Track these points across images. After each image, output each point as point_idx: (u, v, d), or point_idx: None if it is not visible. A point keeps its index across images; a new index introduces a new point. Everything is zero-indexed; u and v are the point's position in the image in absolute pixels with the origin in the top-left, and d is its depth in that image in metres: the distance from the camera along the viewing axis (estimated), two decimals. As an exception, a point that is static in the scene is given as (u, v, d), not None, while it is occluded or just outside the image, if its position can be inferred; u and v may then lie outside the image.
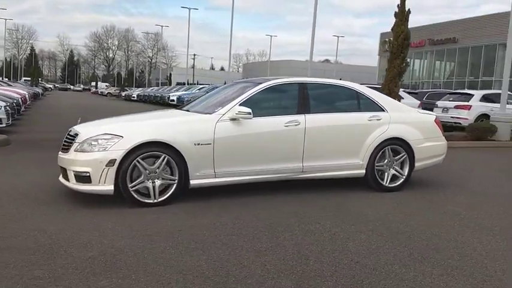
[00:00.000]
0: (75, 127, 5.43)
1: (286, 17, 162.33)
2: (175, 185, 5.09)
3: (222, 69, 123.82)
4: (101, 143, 4.90)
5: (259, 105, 5.51)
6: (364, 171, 6.03)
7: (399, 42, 11.85)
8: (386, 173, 6.15)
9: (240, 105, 5.40)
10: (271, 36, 62.74)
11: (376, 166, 6.06)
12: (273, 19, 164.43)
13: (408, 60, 12.76)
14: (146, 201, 4.99)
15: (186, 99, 25.81)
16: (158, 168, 4.99)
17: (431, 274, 3.43)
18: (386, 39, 41.32)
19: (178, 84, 66.78)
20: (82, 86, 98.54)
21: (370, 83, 21.73)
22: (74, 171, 4.94)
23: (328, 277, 3.30)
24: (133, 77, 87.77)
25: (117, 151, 4.84)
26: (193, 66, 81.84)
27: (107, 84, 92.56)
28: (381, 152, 6.06)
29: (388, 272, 3.43)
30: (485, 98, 16.15)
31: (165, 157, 5.00)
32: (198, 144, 5.14)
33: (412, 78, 46.73)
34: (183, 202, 5.15)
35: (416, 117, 6.48)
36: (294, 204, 5.34)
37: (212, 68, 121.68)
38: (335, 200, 5.60)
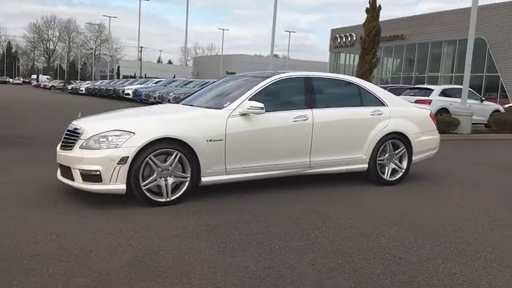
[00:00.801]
0: (76, 122, 5.12)
1: (234, 11, 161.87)
2: (187, 183, 4.90)
3: (170, 62, 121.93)
4: (111, 140, 4.63)
5: (268, 100, 5.37)
6: (366, 165, 6.07)
7: (371, 38, 12.09)
8: (386, 167, 6.22)
9: (250, 99, 5.27)
10: (223, 30, 62.33)
11: (378, 160, 6.12)
12: (221, 13, 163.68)
13: (378, 55, 13.03)
14: (159, 200, 4.78)
15: (143, 93, 25.16)
16: (171, 165, 4.79)
17: (475, 267, 3.47)
18: (337, 36, 42.38)
19: (124, 77, 65.07)
20: (22, 78, 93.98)
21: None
22: (80, 169, 4.65)
23: (381, 275, 3.27)
24: (77, 70, 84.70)
25: (129, 148, 4.60)
26: (140, 59, 79.87)
27: (48, 77, 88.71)
28: (382, 146, 6.11)
29: (435, 267, 3.44)
30: (444, 93, 16.75)
31: (177, 154, 4.80)
32: (210, 140, 4.98)
33: (362, 73, 47.94)
34: (194, 200, 4.97)
35: (414, 111, 6.60)
36: (304, 200, 5.28)
37: (159, 61, 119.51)
38: (341, 195, 5.59)
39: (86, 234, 3.89)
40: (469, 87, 17.92)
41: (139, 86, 28.66)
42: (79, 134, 4.82)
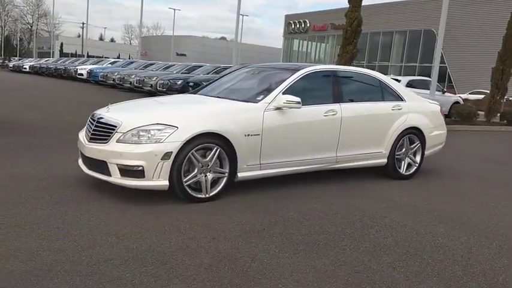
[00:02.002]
0: (104, 113, 4.81)
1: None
2: (225, 178, 4.76)
3: (113, 40, 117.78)
4: (154, 134, 4.39)
5: (299, 94, 5.23)
6: (386, 160, 6.14)
7: (353, 29, 12.18)
8: (402, 162, 6.33)
9: (283, 93, 5.16)
10: (174, 9, 60.86)
11: (396, 155, 6.20)
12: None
13: (355, 46, 13.12)
14: (198, 196, 4.61)
15: (100, 74, 24.14)
16: (210, 161, 4.63)
17: (541, 267, 3.61)
18: (291, 22, 42.65)
19: (65, 55, 62.31)
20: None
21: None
22: (120, 164, 4.38)
23: (464, 276, 3.32)
24: (16, 46, 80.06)
25: (173, 143, 4.38)
26: (82, 36, 76.27)
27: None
28: (400, 141, 6.21)
29: (505, 267, 3.54)
30: (410, 84, 17.23)
31: (217, 149, 4.64)
32: (248, 135, 4.84)
33: (315, 61, 48.52)
34: (230, 196, 4.83)
35: (427, 106, 6.73)
36: (337, 195, 5.25)
37: (101, 39, 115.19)
38: (368, 189, 5.63)
39: (146, 234, 3.69)
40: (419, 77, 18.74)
41: (94, 66, 27.34)
42: (114, 126, 4.54)
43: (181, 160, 4.43)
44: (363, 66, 41.40)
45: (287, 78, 5.37)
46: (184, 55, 63.16)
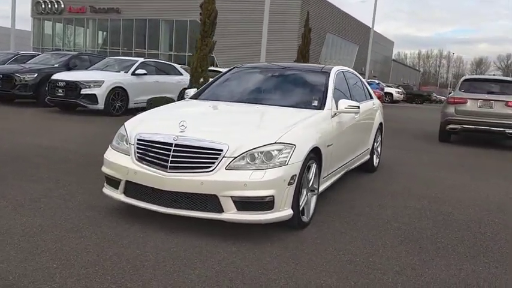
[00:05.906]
0: (187, 134, 3.70)
1: None
2: (315, 196, 4.30)
3: None
4: (276, 156, 3.63)
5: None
6: (369, 156, 6.40)
7: (211, 21, 11.87)
8: (374, 155, 6.70)
9: (333, 97, 4.90)
10: None
11: (373, 149, 6.54)
12: None
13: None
14: (304, 220, 4.05)
15: None
16: (311, 179, 4.12)
17: None
18: (41, 1, 38.61)
19: None
20: None
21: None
22: (238, 196, 3.50)
23: None
24: None
25: (295, 164, 3.72)
26: None
27: None
28: (376, 136, 6.57)
29: None
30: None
31: (315, 165, 4.16)
32: (328, 145, 4.47)
33: (75, 46, 44.86)
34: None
35: (379, 103, 7.21)
36: (362, 194, 5.29)
37: None
38: (366, 183, 5.82)
39: (325, 275, 3.13)
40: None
41: None
42: (219, 150, 3.58)
43: (299, 182, 3.81)
44: (131, 53, 40.23)
45: (327, 81, 5.08)
46: None
